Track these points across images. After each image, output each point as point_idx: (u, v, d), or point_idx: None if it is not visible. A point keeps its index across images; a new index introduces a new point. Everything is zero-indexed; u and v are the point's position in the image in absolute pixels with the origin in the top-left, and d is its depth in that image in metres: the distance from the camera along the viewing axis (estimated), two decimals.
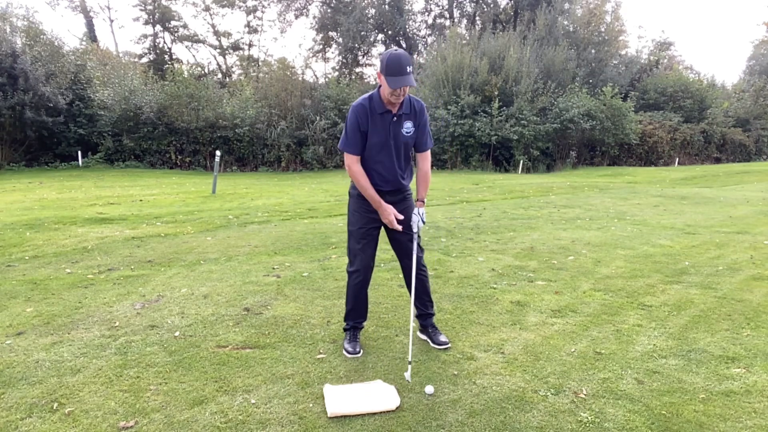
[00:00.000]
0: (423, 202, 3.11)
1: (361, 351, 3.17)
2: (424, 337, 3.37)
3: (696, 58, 79.39)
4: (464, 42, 24.99)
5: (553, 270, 5.06)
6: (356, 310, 3.24)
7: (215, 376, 2.85)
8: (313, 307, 3.96)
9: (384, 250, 5.86)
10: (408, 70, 2.79)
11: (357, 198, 3.14)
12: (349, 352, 3.13)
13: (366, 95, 2.99)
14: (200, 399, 2.61)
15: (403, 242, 3.17)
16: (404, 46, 36.15)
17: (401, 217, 3.06)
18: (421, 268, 3.23)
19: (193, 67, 36.50)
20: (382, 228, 3.21)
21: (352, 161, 3.01)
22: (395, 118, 2.97)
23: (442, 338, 3.29)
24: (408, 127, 3.01)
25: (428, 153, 3.16)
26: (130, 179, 15.72)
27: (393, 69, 2.77)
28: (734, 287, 4.49)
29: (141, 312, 3.84)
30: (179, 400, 2.60)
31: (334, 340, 3.33)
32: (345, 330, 3.27)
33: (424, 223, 3.11)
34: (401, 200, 3.14)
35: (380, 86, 2.92)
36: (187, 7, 61.20)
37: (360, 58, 37.97)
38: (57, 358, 3.05)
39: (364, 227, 3.13)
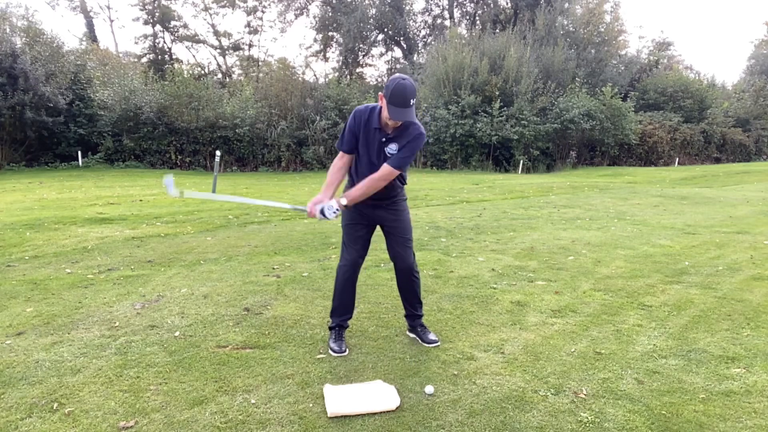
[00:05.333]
0: (337, 200, 2.98)
1: (347, 350, 3.17)
2: (413, 335, 3.39)
3: (696, 58, 79.50)
4: (464, 42, 25.00)
5: (553, 270, 5.06)
6: (343, 306, 3.25)
7: (215, 376, 2.85)
8: (313, 307, 3.96)
9: (383, 249, 5.87)
10: (410, 104, 2.82)
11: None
12: (335, 351, 3.13)
13: (371, 105, 3.03)
14: (200, 399, 2.61)
15: (393, 246, 3.22)
16: (404, 46, 36.17)
17: (317, 208, 2.97)
18: (413, 271, 3.25)
19: (193, 67, 36.55)
20: (381, 230, 3.26)
21: (338, 156, 3.15)
22: (384, 139, 3.00)
23: (432, 336, 3.31)
24: (393, 148, 3.00)
25: (388, 170, 2.94)
26: (130, 179, 15.72)
27: (396, 99, 2.79)
28: (734, 287, 4.49)
29: (141, 312, 3.84)
30: (179, 400, 2.60)
31: None
32: (330, 329, 3.27)
33: (323, 216, 2.94)
34: (390, 205, 3.16)
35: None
36: (186, 7, 61.18)
37: (360, 58, 37.99)
38: (57, 358, 3.05)
39: (351, 222, 3.19)
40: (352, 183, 3.16)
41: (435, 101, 22.90)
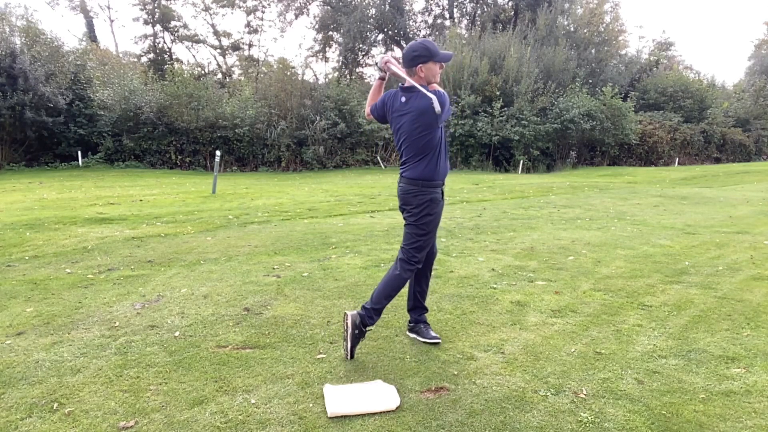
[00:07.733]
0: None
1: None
2: (413, 335, 3.37)
3: (696, 58, 79.54)
4: (464, 42, 25.01)
5: (553, 270, 5.06)
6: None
7: (215, 376, 2.85)
8: (313, 307, 3.96)
9: (384, 249, 5.87)
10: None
11: (436, 200, 3.10)
12: (353, 356, 3.06)
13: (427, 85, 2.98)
14: (200, 399, 2.61)
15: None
16: (404, 46, 36.10)
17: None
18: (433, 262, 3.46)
19: (193, 67, 36.54)
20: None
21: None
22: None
23: (433, 333, 3.32)
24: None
25: None
26: (130, 179, 15.72)
27: (434, 49, 2.94)
28: (734, 287, 4.49)
29: (141, 312, 3.84)
30: (179, 400, 2.60)
31: (334, 340, 3.33)
32: (366, 331, 3.11)
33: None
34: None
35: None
36: (186, 7, 61.25)
37: (360, 58, 37.96)
38: (57, 358, 3.05)
39: (438, 218, 3.20)
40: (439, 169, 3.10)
41: None
